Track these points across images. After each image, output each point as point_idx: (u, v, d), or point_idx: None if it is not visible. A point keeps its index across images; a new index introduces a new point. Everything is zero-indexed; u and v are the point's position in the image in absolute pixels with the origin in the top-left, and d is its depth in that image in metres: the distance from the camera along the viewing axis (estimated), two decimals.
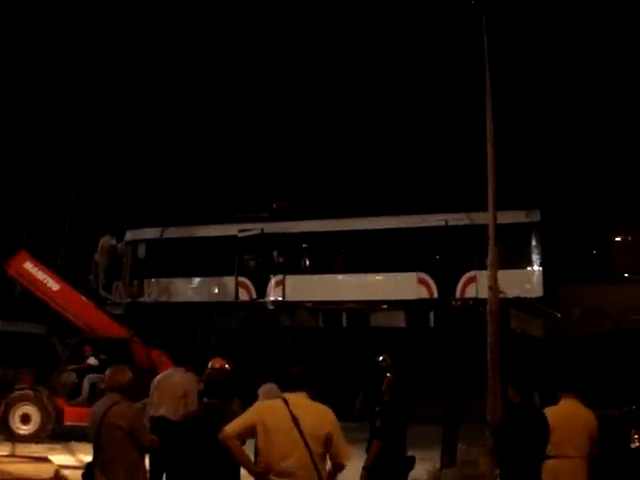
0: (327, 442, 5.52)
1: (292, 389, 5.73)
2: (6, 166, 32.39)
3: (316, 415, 5.59)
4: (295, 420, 5.51)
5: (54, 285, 19.27)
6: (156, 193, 35.00)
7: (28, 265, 19.31)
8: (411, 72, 36.90)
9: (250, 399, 9.00)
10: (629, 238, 40.04)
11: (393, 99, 37.45)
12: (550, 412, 7.90)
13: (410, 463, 8.92)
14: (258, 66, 39.42)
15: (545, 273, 23.34)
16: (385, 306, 25.75)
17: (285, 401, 5.64)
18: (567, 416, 8.08)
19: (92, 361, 18.04)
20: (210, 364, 10.30)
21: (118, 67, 37.85)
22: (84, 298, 20.17)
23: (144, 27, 37.99)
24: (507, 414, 7.62)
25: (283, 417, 5.55)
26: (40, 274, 19.28)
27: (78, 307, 19.39)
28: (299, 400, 5.65)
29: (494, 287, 14.67)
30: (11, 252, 20.03)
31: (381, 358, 9.15)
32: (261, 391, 9.88)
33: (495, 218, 14.74)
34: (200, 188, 34.98)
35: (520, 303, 22.80)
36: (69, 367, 18.39)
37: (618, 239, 40.58)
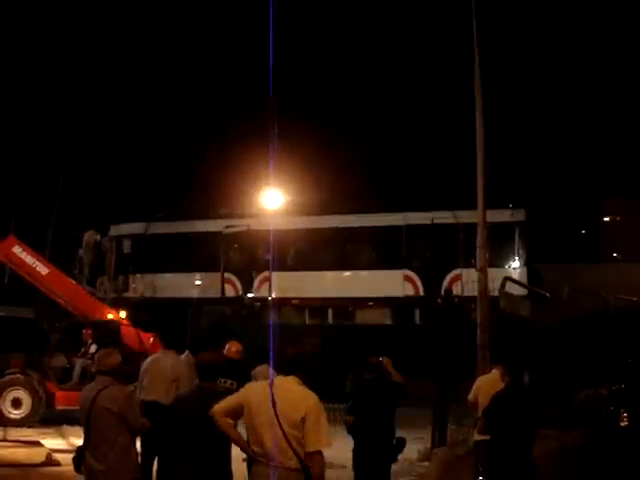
0: (302, 426, 5.51)
1: (285, 372, 5.78)
2: None
3: (294, 398, 5.60)
4: (273, 402, 5.55)
5: (43, 269, 19.21)
6: (140, 188, 34.96)
7: (17, 249, 19.24)
8: (400, 71, 36.97)
9: (244, 381, 9.06)
10: (618, 218, 40.21)
11: (381, 98, 37.51)
12: (481, 378, 10.07)
13: (399, 445, 8.95)
14: (246, 60, 39.34)
15: (529, 272, 23.47)
16: (371, 303, 25.85)
17: (271, 384, 5.71)
18: (492, 382, 8.92)
19: (93, 349, 17.88)
20: (227, 347, 10.34)
21: (111, 63, 37.82)
22: (73, 282, 20.14)
23: (131, 18, 37.91)
24: (498, 394, 7.66)
25: (264, 399, 5.61)
26: (29, 258, 19.23)
27: (67, 291, 19.37)
28: (285, 383, 5.69)
29: (484, 268, 14.70)
30: (0, 236, 19.95)
31: (380, 359, 9.28)
32: (255, 373, 9.89)
33: (484, 200, 14.73)
34: (185, 183, 34.90)
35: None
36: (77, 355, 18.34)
37: (607, 219, 40.75)
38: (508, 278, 22.05)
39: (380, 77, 38.80)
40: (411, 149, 35.23)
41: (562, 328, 20.71)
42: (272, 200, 26.66)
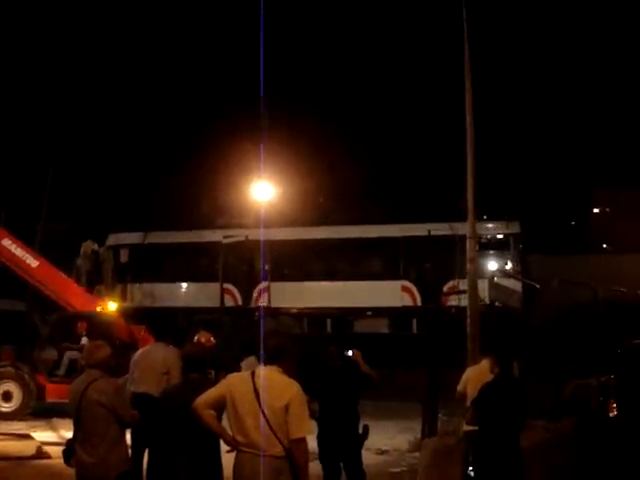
0: (285, 414, 5.59)
1: (266, 362, 5.82)
2: None
3: (277, 387, 5.65)
4: (256, 392, 5.62)
5: (33, 262, 19.13)
6: (138, 197, 34.93)
7: (6, 242, 19.15)
8: (397, 79, 37.05)
9: (217, 369, 9.14)
10: (607, 210, 40.43)
11: (378, 110, 37.59)
12: (471, 369, 10.14)
13: (365, 432, 9.11)
14: (240, 66, 39.28)
15: (525, 284, 23.61)
16: (369, 313, 25.94)
17: (253, 373, 5.77)
18: (480, 373, 8.91)
19: (85, 341, 17.79)
20: (196, 338, 10.34)
21: (105, 66, 37.75)
22: (63, 274, 20.07)
23: (134, 20, 37.83)
24: (487, 385, 7.70)
25: (247, 389, 5.67)
26: (19, 251, 19.14)
27: (57, 283, 19.29)
28: (268, 373, 5.74)
29: (474, 259, 14.75)
30: None
31: (350, 353, 9.40)
32: (244, 364, 9.92)
33: (474, 191, 14.74)
34: (182, 193, 34.85)
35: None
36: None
37: (596, 211, 40.94)
38: (498, 269, 22.24)
39: (377, 86, 39.00)
40: (408, 161, 35.45)
41: (552, 319, 20.80)
42: (263, 192, 26.64)
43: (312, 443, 6.16)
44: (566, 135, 37.83)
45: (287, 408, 5.57)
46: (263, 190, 26.42)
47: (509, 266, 24.38)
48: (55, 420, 16.24)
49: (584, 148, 37.48)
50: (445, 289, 23.29)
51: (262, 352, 5.86)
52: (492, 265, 23.83)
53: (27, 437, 14.15)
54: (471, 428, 8.39)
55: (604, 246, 35.94)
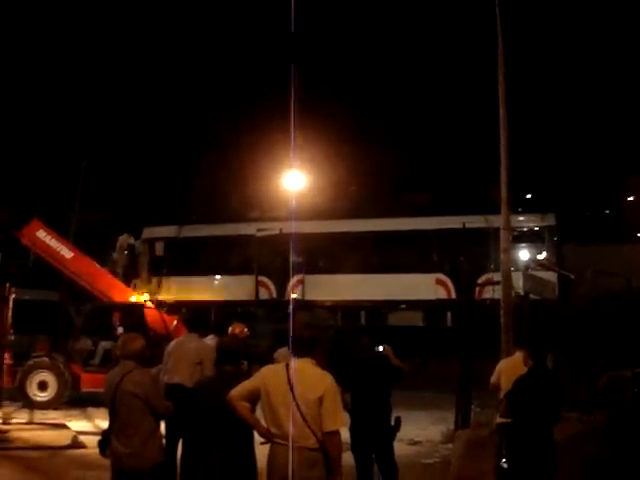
0: (319, 406, 5.60)
1: (299, 354, 5.81)
2: (19, 136, 32.54)
3: (311, 379, 5.66)
4: (290, 384, 5.62)
5: (67, 253, 19.34)
6: (171, 189, 35.14)
7: (41, 234, 19.37)
8: (430, 74, 36.86)
9: (250, 360, 9.20)
10: None
11: (412, 101, 37.45)
12: (504, 361, 10.22)
13: (397, 424, 9.12)
14: (270, 52, 39.27)
15: (560, 274, 23.42)
16: (403, 306, 25.96)
17: (287, 366, 5.76)
18: (514, 365, 8.88)
19: (121, 331, 17.96)
20: (230, 329, 10.37)
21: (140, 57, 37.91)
22: (97, 265, 20.25)
23: (169, 16, 37.88)
24: (521, 378, 7.66)
25: (281, 381, 5.68)
26: (53, 242, 19.35)
27: (91, 274, 19.49)
28: (301, 365, 5.74)
29: (507, 250, 14.66)
30: (24, 220, 20.10)
31: (381, 348, 9.42)
32: (277, 355, 9.94)
33: (508, 174, 14.64)
34: (216, 186, 34.97)
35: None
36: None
37: (630, 199, 40.49)
38: (531, 259, 22.10)
39: (412, 78, 38.85)
40: (443, 153, 35.35)
41: (585, 309, 20.64)
42: (294, 181, 26.60)
43: (344, 434, 6.15)
44: (598, 123, 37.46)
45: (321, 400, 5.57)
46: (294, 179, 26.38)
47: (544, 257, 24.22)
48: (90, 409, 16.43)
49: (617, 136, 37.12)
50: (480, 282, 23.13)
51: (295, 344, 5.87)
52: (527, 257, 23.72)
53: (62, 426, 14.33)
54: (504, 420, 8.36)
55: (638, 235, 35.58)
